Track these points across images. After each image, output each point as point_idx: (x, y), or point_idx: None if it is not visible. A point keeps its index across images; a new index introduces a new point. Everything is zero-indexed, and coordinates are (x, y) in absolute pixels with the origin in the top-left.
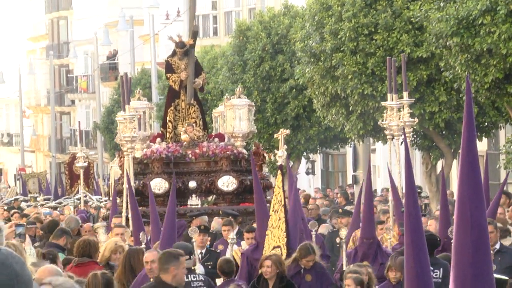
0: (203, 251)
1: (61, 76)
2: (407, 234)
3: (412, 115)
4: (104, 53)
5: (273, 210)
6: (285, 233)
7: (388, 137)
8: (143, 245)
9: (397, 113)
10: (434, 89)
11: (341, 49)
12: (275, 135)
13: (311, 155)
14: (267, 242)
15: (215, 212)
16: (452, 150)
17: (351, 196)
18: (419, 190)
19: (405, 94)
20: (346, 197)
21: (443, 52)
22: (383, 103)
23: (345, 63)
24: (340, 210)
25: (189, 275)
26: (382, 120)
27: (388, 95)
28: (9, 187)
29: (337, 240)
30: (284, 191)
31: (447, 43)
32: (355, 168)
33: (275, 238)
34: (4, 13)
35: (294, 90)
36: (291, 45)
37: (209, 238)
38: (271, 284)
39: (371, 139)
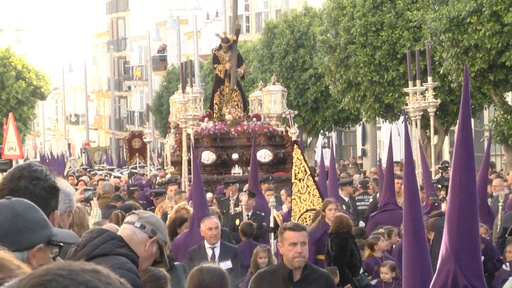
0: (249, 213)
1: (119, 66)
2: (405, 197)
3: (435, 97)
4: (155, 47)
5: (296, 179)
6: (319, 198)
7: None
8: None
9: (413, 96)
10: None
11: (353, 42)
12: (283, 115)
13: (326, 132)
14: (296, 205)
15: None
16: (444, 128)
17: (361, 167)
18: (446, 165)
19: (429, 78)
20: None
21: (436, 47)
22: (405, 89)
23: (357, 53)
24: None
25: None
26: (406, 105)
27: (410, 82)
28: (79, 157)
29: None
30: (306, 162)
31: (440, 38)
32: (363, 143)
33: (306, 202)
34: (72, 15)
35: (313, 78)
36: (311, 40)
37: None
38: None
39: (377, 118)
